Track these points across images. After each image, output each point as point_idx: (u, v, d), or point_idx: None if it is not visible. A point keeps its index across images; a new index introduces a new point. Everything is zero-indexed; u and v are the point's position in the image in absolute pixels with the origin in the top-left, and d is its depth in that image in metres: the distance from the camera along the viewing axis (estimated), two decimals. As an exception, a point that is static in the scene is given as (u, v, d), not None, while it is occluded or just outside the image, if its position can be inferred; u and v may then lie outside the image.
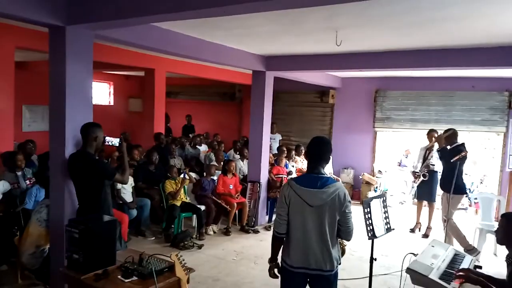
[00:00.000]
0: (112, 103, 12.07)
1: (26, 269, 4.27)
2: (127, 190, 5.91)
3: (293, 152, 8.25)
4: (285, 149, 7.91)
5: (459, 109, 8.59)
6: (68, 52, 3.66)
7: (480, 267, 3.24)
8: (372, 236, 3.26)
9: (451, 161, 5.36)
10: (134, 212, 5.93)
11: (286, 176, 7.38)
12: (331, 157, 3.64)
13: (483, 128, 8.43)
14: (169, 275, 2.84)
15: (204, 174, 7.18)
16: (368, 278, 3.48)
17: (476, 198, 7.83)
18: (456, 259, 3.28)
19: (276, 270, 2.84)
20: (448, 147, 5.87)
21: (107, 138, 3.78)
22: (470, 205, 8.60)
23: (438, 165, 6.55)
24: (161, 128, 8.33)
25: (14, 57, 5.59)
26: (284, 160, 7.70)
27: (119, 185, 5.69)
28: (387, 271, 5.04)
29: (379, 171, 9.34)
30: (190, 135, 10.24)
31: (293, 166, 8.00)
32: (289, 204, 2.70)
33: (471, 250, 5.37)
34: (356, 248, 5.69)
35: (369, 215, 3.27)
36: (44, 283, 4.15)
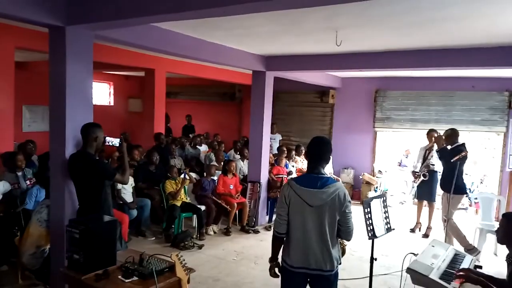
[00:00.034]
0: (112, 103, 12.07)
1: (26, 270, 4.28)
2: (127, 191, 5.91)
3: (293, 152, 8.25)
4: (285, 149, 7.91)
5: (459, 109, 8.59)
6: (68, 52, 3.66)
7: (480, 267, 3.24)
8: (372, 236, 3.26)
9: (451, 161, 5.36)
10: (135, 212, 5.93)
11: (286, 176, 7.38)
12: (331, 157, 3.64)
13: (483, 128, 8.42)
14: (170, 275, 2.84)
15: (204, 174, 7.19)
16: (368, 278, 3.48)
17: (476, 198, 7.83)
18: (456, 259, 3.28)
19: (276, 269, 2.85)
20: (449, 147, 5.87)
21: (107, 138, 3.78)
22: (470, 205, 8.60)
23: (438, 165, 6.55)
24: (161, 128, 8.34)
25: (14, 57, 5.59)
26: (284, 160, 7.70)
27: (119, 186, 5.69)
28: (387, 271, 5.04)
29: (379, 171, 9.34)
30: (190, 135, 10.24)
31: (293, 166, 8.00)
32: (289, 204, 2.70)
33: (471, 250, 5.37)
34: (356, 248, 5.69)
35: (369, 215, 3.27)
36: (44, 283, 4.15)
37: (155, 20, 3.76)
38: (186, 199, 6.39)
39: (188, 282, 2.87)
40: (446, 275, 2.91)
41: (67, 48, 3.65)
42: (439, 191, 6.40)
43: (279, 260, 2.85)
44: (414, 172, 7.00)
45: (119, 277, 2.80)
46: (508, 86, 8.10)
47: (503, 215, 2.90)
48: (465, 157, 5.50)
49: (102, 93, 11.84)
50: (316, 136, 2.89)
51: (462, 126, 8.23)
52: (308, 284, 2.78)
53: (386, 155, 9.72)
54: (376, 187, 9.00)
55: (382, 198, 3.50)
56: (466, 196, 7.58)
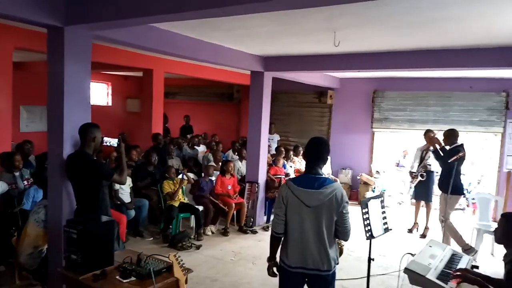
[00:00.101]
0: (110, 104, 12.06)
1: (24, 270, 4.27)
2: (125, 191, 5.90)
3: (291, 153, 8.26)
4: (283, 149, 7.92)
5: (457, 110, 8.61)
6: (67, 52, 3.66)
7: (477, 267, 3.25)
8: (370, 236, 3.27)
9: (449, 161, 5.38)
10: (132, 213, 5.92)
11: (284, 177, 7.38)
12: (329, 157, 3.64)
13: (481, 129, 8.45)
14: (167, 276, 2.84)
15: (202, 174, 7.17)
16: (366, 278, 3.49)
17: (473, 199, 7.86)
18: (453, 259, 3.29)
19: (274, 269, 2.86)
20: (447, 147, 5.87)
21: (105, 139, 3.77)
22: (467, 205, 8.63)
23: (435, 165, 6.55)
24: (159, 129, 8.33)
25: (12, 57, 5.58)
26: (282, 161, 7.71)
27: (117, 186, 5.68)
28: (385, 271, 5.04)
29: (377, 171, 9.36)
30: (188, 136, 10.22)
31: (291, 167, 8.01)
32: (286, 204, 2.71)
33: (469, 250, 5.39)
34: (354, 248, 5.70)
35: (367, 215, 3.28)
36: (42, 283, 4.15)
37: (155, 20, 3.76)
38: (184, 199, 6.39)
39: (186, 282, 2.88)
40: (443, 275, 2.92)
41: (66, 49, 3.65)
42: (436, 191, 6.41)
43: (277, 259, 2.85)
44: (411, 173, 7.02)
45: (117, 277, 2.80)
46: (505, 87, 8.13)
47: (502, 215, 2.92)
48: (462, 158, 5.52)
49: (100, 93, 11.83)
50: (314, 137, 2.90)
51: (460, 126, 8.20)
52: (306, 284, 2.78)
53: (384, 156, 9.74)
54: (374, 188, 9.02)
55: (379, 199, 3.51)
56: (464, 197, 7.60)
